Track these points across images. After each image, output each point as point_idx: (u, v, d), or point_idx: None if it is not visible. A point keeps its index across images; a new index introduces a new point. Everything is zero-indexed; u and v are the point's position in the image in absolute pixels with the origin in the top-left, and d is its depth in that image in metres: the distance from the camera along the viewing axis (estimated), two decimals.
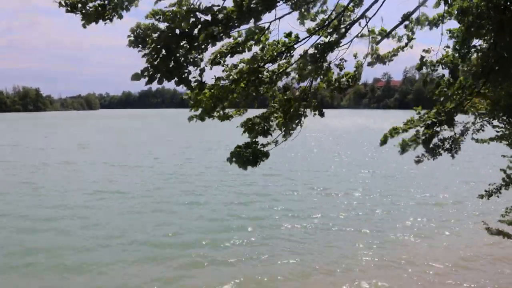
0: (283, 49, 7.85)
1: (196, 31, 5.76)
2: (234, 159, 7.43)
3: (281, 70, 7.98)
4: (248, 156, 7.51)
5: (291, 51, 7.98)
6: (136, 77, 5.57)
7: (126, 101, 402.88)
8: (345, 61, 8.11)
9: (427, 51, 8.52)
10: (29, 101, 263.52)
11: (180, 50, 5.82)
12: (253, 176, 24.32)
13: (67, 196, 20.60)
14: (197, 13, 5.71)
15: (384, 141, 7.79)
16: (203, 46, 6.04)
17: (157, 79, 5.71)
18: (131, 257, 13.09)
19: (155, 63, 5.51)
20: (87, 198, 20.21)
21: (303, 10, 8.23)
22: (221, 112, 7.84)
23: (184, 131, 60.85)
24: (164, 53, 5.63)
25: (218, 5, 5.94)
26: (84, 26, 5.37)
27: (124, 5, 5.40)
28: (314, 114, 8.26)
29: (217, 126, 8.32)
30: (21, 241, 14.25)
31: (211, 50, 6.67)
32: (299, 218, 17.48)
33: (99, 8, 5.36)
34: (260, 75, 7.86)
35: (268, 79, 8.11)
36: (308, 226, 16.33)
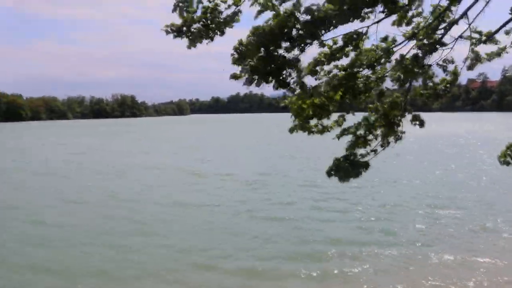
0: (381, 54, 7.61)
1: (295, 31, 5.71)
2: (333, 172, 7.29)
3: (379, 76, 7.74)
4: (348, 168, 7.31)
5: (390, 56, 7.73)
6: (235, 76, 5.61)
7: (215, 106, 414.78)
8: (451, 62, 7.63)
9: None
10: (126, 107, 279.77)
11: (279, 51, 5.79)
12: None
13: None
14: (296, 13, 5.67)
15: None
16: (302, 46, 5.95)
17: (256, 81, 5.67)
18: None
19: (254, 64, 5.48)
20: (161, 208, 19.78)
21: (400, 13, 7.93)
22: (319, 125, 7.62)
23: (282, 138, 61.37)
24: (263, 54, 5.60)
25: (318, 4, 5.85)
26: (189, 47, 5.56)
27: (228, 23, 5.51)
28: (414, 124, 7.88)
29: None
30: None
31: (307, 60, 6.59)
32: None
33: (203, 29, 5.51)
34: (357, 82, 7.66)
35: (363, 85, 7.90)
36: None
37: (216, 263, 11.93)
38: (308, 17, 5.75)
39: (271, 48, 5.55)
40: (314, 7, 5.76)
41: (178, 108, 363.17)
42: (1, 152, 41.93)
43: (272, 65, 5.61)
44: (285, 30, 5.66)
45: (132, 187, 21.48)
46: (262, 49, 5.55)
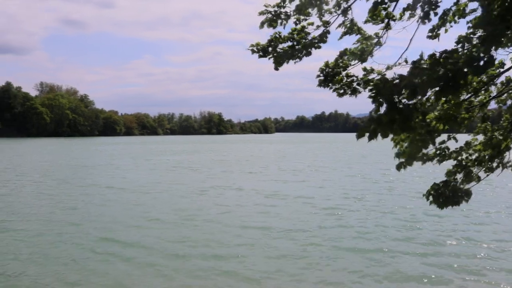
0: (486, 79, 6.97)
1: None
2: (431, 198, 6.78)
3: (484, 101, 7.10)
4: (447, 194, 6.75)
5: (495, 79, 7.07)
6: (360, 134, 5.26)
7: (300, 125, 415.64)
8: None
9: None
10: (212, 125, 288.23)
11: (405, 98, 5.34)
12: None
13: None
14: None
15: None
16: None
17: (380, 133, 5.24)
18: None
19: (378, 117, 5.02)
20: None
21: None
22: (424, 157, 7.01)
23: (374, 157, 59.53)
24: (389, 106, 5.17)
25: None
26: (276, 68, 5.41)
27: (315, 44, 5.29)
28: None
29: None
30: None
31: None
32: None
33: (289, 49, 5.34)
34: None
35: (465, 110, 7.26)
36: None
37: None
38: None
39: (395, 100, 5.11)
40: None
41: (263, 126, 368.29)
42: (92, 168, 44.17)
43: (397, 116, 5.15)
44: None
45: (210, 208, 21.29)
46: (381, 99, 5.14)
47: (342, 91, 5.87)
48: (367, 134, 5.02)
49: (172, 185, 29.79)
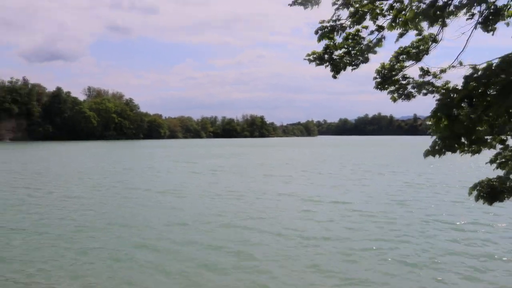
0: None
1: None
2: (475, 192, 6.53)
3: None
4: (498, 190, 6.51)
5: None
6: (428, 153, 5.02)
7: (342, 128, 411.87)
8: None
9: None
10: (255, 127, 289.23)
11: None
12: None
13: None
14: None
15: None
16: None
17: (449, 147, 4.98)
18: None
19: (442, 132, 4.83)
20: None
21: None
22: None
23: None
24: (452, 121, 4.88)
25: None
26: (334, 76, 5.27)
27: (371, 48, 5.08)
28: None
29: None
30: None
31: None
32: None
33: (345, 55, 5.16)
34: None
35: None
36: None
37: None
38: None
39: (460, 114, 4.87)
40: None
41: (306, 129, 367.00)
42: (133, 171, 44.82)
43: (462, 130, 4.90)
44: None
45: (247, 213, 20.84)
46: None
47: (396, 95, 5.67)
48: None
49: (210, 188, 29.76)
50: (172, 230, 17.53)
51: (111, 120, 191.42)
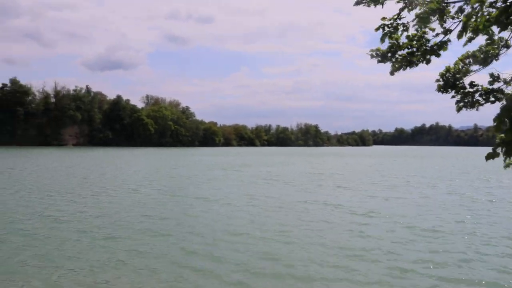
0: None
1: None
2: None
3: None
4: None
5: None
6: (489, 156, 4.90)
7: (398, 138, 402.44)
8: None
9: None
10: (309, 136, 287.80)
11: None
12: None
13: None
14: None
15: None
16: None
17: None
18: None
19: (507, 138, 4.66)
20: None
21: None
22: None
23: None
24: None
25: None
26: (392, 73, 5.21)
27: (435, 51, 5.01)
28: None
29: None
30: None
31: None
32: None
33: (408, 56, 5.12)
34: None
35: None
36: None
37: None
38: None
39: None
40: None
41: (361, 139, 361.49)
42: (185, 178, 45.44)
43: None
44: None
45: (296, 225, 20.14)
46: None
47: (462, 103, 5.50)
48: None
49: (259, 197, 29.48)
50: (217, 238, 17.37)
51: (168, 128, 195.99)
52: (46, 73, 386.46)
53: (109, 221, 20.16)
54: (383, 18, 5.27)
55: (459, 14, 5.26)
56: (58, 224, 19.38)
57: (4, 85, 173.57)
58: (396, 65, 5.11)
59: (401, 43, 5.15)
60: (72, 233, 17.51)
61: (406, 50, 5.16)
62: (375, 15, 5.89)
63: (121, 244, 16.07)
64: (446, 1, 5.38)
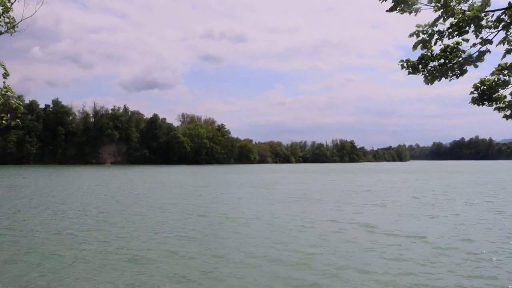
0: None
1: None
2: None
3: None
4: None
5: None
6: None
7: (436, 152, 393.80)
8: None
9: None
10: (345, 152, 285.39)
11: None
12: None
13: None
14: None
15: None
16: None
17: None
18: None
19: None
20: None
21: None
22: None
23: None
24: None
25: None
26: (426, 83, 4.93)
27: (471, 61, 4.69)
28: None
29: None
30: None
31: None
32: None
33: (441, 66, 4.81)
34: None
35: None
36: None
37: None
38: None
39: None
40: None
41: (397, 154, 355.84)
42: (213, 197, 45.34)
43: None
44: None
45: (325, 246, 18.65)
46: None
47: (509, 112, 5.18)
48: None
49: (286, 216, 28.05)
50: (240, 261, 16.34)
51: (203, 145, 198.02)
52: (85, 93, 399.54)
53: (137, 242, 20.13)
54: (418, 25, 5.05)
55: (497, 24, 4.92)
56: (79, 245, 19.43)
57: (47, 106, 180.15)
58: (429, 77, 4.84)
59: (434, 54, 4.87)
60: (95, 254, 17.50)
61: (438, 61, 4.89)
62: (408, 26, 5.68)
63: (143, 266, 15.68)
64: (484, 10, 5.07)
